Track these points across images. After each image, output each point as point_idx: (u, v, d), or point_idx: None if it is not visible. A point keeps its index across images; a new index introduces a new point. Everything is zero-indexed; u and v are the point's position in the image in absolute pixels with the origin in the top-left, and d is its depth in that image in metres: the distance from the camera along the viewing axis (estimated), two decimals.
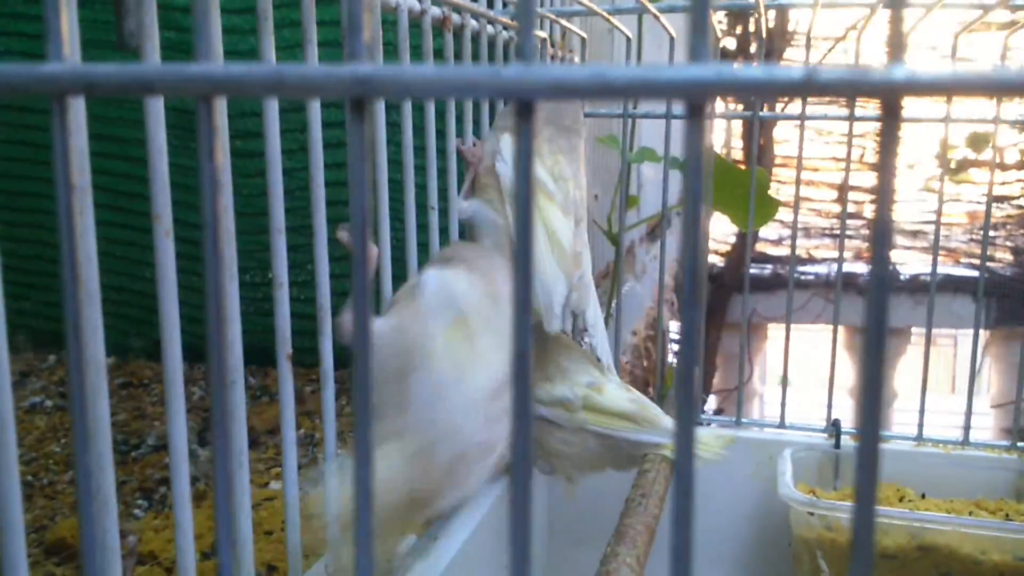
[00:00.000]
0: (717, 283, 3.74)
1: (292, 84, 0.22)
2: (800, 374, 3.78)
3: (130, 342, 1.33)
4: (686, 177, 0.21)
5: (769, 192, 1.08)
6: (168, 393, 0.39)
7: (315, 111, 0.56)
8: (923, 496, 0.81)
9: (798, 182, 0.94)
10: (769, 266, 3.91)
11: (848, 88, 0.19)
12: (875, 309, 0.21)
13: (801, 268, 3.72)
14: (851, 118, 0.92)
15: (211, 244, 0.23)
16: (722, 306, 3.74)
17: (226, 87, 0.22)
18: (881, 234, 0.20)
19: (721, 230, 3.85)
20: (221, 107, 0.23)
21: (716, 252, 3.89)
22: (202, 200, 0.23)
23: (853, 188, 3.83)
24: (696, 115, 0.20)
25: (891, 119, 0.20)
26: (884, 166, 0.20)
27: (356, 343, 0.23)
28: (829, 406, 0.90)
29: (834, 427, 0.86)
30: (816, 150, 3.77)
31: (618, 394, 0.73)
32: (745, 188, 0.97)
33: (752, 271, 3.76)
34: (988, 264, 3.70)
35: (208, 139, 0.23)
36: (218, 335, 0.24)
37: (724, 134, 3.81)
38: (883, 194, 0.20)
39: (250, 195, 1.09)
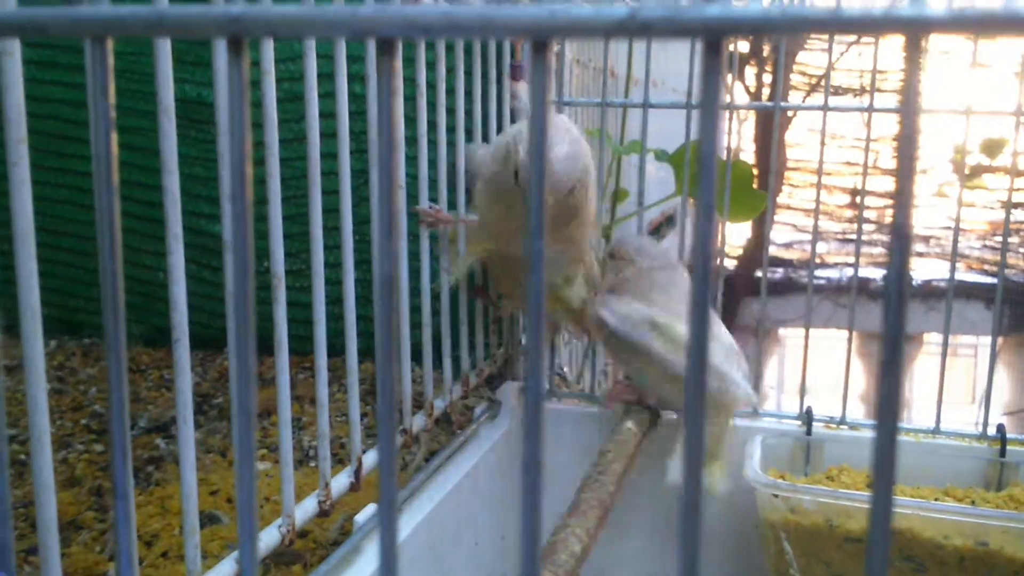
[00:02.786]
0: (728, 286, 3.74)
1: (171, 24, 0.23)
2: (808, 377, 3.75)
3: (129, 328, 1.35)
4: (533, 119, 0.22)
5: (754, 186, 1.08)
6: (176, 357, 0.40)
7: (312, 96, 0.58)
8: None
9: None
10: (780, 270, 3.91)
11: (667, 26, 0.21)
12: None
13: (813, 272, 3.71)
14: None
15: (104, 180, 0.25)
16: (733, 309, 3.74)
17: (113, 27, 0.24)
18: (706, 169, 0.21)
19: (733, 233, 3.85)
20: (110, 47, 0.25)
21: (728, 255, 3.89)
22: (94, 139, 0.25)
23: (867, 192, 3.83)
24: (540, 53, 0.22)
25: (714, 57, 0.21)
26: (707, 103, 0.21)
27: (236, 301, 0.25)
28: (802, 395, 0.91)
29: (807, 415, 0.87)
30: (829, 154, 3.78)
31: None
32: (730, 181, 0.98)
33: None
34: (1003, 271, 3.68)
35: (100, 78, 0.25)
36: (113, 280, 0.25)
37: (736, 136, 3.81)
38: (705, 132, 0.21)
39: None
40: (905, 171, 0.20)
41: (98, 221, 0.25)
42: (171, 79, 0.43)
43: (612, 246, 0.91)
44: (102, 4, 0.22)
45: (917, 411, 4.15)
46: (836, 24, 0.20)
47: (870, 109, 0.88)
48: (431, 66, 0.77)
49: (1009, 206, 0.90)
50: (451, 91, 0.80)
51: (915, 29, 0.20)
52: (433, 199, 0.77)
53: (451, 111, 0.80)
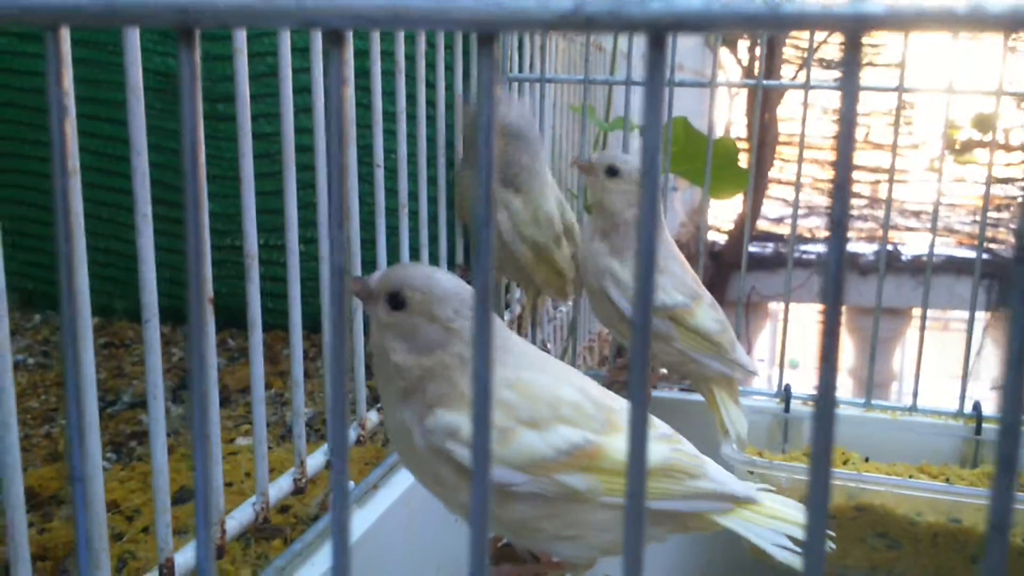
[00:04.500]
0: (718, 261, 3.74)
1: (123, 14, 0.23)
2: (798, 351, 3.75)
3: (114, 303, 1.35)
4: (481, 112, 0.22)
5: (739, 163, 1.08)
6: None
7: (286, 72, 0.58)
8: (867, 460, 0.83)
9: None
10: (771, 244, 3.92)
11: (611, 21, 0.21)
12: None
13: (803, 247, 3.73)
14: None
15: (59, 166, 0.25)
16: (723, 284, 3.74)
17: (66, 16, 0.24)
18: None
19: (725, 208, 3.86)
20: (66, 36, 0.25)
21: (718, 229, 3.90)
22: (50, 125, 0.25)
23: (858, 168, 3.83)
24: (486, 46, 0.22)
25: (657, 53, 0.21)
26: (651, 107, 0.21)
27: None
28: (780, 372, 0.91)
29: (785, 392, 0.88)
30: (822, 128, 3.77)
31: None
32: (714, 157, 0.98)
33: (754, 249, 3.77)
34: (992, 246, 3.69)
35: (56, 67, 0.25)
36: (68, 265, 0.26)
37: (727, 111, 3.80)
38: (650, 133, 0.21)
39: (232, 159, 1.10)
40: (842, 177, 0.20)
41: (55, 207, 0.25)
42: (139, 58, 0.43)
43: (614, 160, 0.79)
44: None
45: (906, 386, 4.18)
46: (775, 21, 0.20)
47: (844, 88, 0.88)
48: (410, 39, 0.77)
49: (989, 182, 0.91)
50: (431, 65, 0.80)
51: (853, 26, 0.20)
52: (412, 174, 0.77)
53: (431, 85, 0.80)
